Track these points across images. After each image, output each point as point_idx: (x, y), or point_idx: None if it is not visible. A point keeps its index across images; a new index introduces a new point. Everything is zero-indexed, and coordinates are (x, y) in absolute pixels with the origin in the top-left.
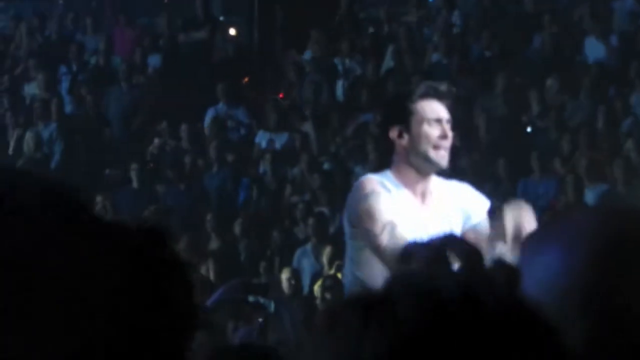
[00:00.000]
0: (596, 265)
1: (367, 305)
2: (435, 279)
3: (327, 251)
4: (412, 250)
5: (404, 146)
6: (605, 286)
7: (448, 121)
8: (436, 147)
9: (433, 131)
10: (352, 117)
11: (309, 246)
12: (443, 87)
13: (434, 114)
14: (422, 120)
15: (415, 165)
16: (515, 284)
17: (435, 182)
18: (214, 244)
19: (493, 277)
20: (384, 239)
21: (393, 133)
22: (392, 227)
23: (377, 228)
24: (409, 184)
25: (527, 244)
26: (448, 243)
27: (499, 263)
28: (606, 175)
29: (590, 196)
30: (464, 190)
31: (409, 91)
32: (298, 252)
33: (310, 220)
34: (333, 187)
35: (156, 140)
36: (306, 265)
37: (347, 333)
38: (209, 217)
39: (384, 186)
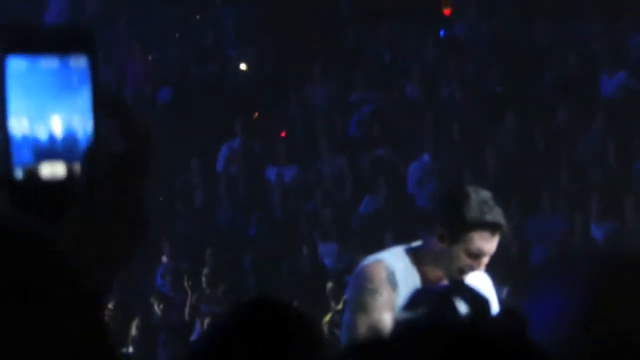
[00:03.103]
0: (594, 306)
1: (374, 350)
2: (442, 325)
3: (329, 287)
4: (419, 297)
5: (438, 247)
6: (604, 325)
7: (490, 254)
8: (460, 272)
9: (467, 261)
10: (365, 151)
11: None
12: (501, 219)
13: (478, 249)
14: (464, 249)
15: (437, 266)
16: (523, 331)
17: None
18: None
19: (501, 323)
20: (361, 333)
21: (437, 231)
22: (377, 324)
23: (363, 323)
24: (424, 272)
25: (531, 287)
26: (455, 290)
27: (508, 310)
28: (616, 213)
29: (598, 234)
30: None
31: (468, 211)
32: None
33: None
34: (342, 221)
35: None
36: None
37: None
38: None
39: (392, 279)
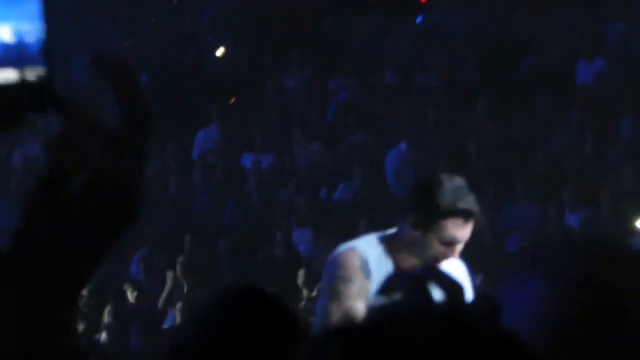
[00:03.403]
0: (574, 295)
1: (348, 336)
2: (416, 310)
3: (302, 274)
4: (393, 283)
5: (412, 235)
6: (583, 314)
7: (464, 241)
8: (435, 260)
9: (441, 249)
10: (342, 138)
11: None
12: (475, 206)
13: (452, 236)
14: (438, 237)
15: (411, 254)
16: (497, 316)
17: None
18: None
19: (475, 309)
20: (334, 320)
21: (411, 219)
22: (350, 311)
23: (336, 311)
24: (398, 260)
25: (507, 274)
26: (429, 276)
27: (482, 296)
28: (591, 202)
29: (574, 222)
30: (454, 273)
31: (441, 199)
32: None
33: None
34: (317, 208)
35: None
36: None
37: None
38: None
39: (366, 267)
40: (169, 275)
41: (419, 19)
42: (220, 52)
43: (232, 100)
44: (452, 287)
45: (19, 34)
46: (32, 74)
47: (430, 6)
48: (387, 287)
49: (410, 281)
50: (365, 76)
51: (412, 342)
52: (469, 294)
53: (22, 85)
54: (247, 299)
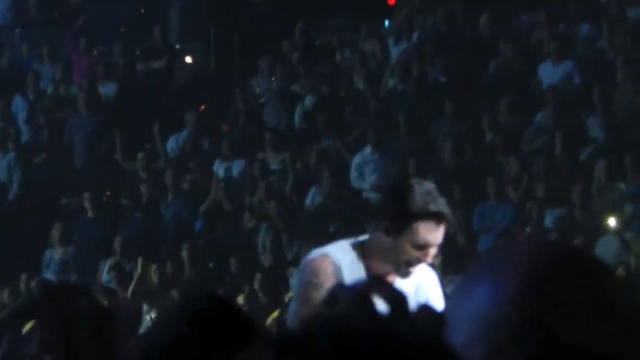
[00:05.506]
0: (525, 299)
1: (282, 345)
2: (354, 321)
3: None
4: (337, 293)
5: (385, 241)
6: (534, 318)
7: (437, 246)
8: (408, 265)
9: (414, 254)
10: (310, 143)
11: None
12: (446, 209)
13: (424, 240)
14: (410, 241)
15: (384, 260)
16: (440, 329)
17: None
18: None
19: (417, 321)
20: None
21: (383, 225)
22: None
23: (306, 314)
24: (371, 266)
25: (462, 280)
26: (374, 286)
27: (425, 308)
28: (564, 200)
29: (548, 220)
30: (427, 285)
31: (412, 202)
32: None
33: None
34: (291, 214)
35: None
36: None
37: None
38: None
39: (339, 273)
40: (142, 282)
41: (387, 23)
42: (189, 59)
43: (202, 108)
44: (396, 299)
45: None
46: None
47: (398, 10)
48: (331, 298)
49: (354, 292)
50: (333, 80)
51: (345, 353)
52: (439, 304)
53: None
54: (202, 306)
